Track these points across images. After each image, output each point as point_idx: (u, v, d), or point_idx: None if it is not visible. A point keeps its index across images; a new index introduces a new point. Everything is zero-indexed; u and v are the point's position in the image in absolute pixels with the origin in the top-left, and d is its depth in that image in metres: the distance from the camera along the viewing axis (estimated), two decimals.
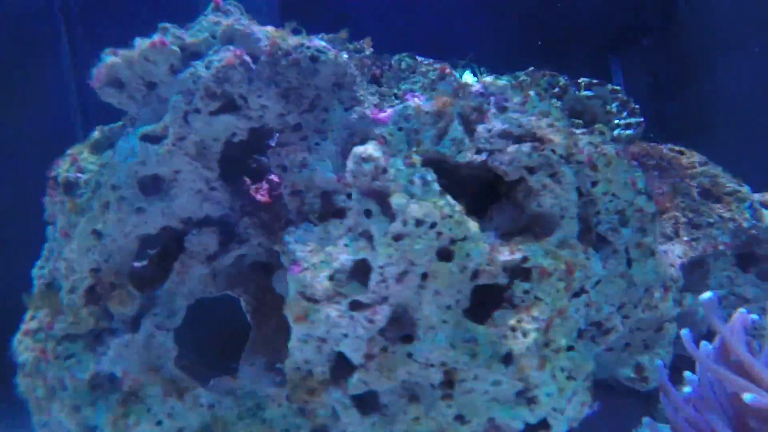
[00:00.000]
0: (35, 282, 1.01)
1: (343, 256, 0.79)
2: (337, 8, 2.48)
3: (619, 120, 1.38)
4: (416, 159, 0.85)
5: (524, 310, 0.81)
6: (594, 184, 0.91)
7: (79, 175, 0.98)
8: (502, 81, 1.01)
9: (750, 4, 2.35)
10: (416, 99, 0.96)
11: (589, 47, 2.82)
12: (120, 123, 1.03)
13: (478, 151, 0.91)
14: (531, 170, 0.88)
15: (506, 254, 0.83)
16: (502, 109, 0.91)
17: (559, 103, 1.31)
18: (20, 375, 0.89)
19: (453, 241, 0.78)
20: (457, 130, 0.90)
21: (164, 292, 0.95)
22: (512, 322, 0.80)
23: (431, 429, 0.79)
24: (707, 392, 0.87)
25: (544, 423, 0.83)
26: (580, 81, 1.42)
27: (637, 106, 1.41)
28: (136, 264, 1.02)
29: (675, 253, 1.39)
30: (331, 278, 0.79)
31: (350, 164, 0.81)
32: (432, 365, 0.78)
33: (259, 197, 1.05)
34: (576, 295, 0.88)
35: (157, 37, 0.86)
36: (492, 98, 0.94)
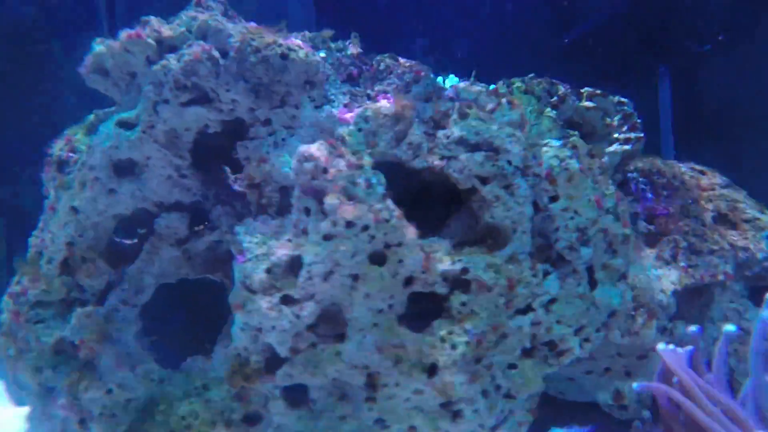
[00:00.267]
0: (29, 250, 1.11)
1: (281, 251, 0.82)
2: (371, 13, 2.50)
3: (619, 134, 1.31)
4: (367, 161, 0.86)
5: (458, 322, 0.80)
6: (552, 199, 0.88)
7: (70, 154, 1.06)
8: (477, 87, 0.99)
9: None
10: (386, 101, 0.96)
11: (634, 55, 2.68)
12: (113, 108, 1.10)
13: (442, 158, 0.90)
14: (484, 180, 0.86)
15: (447, 264, 0.82)
16: (463, 116, 0.89)
17: (554, 113, 1.26)
18: None
19: (387, 246, 0.79)
20: (415, 134, 0.90)
21: (134, 269, 1.01)
22: (443, 332, 0.79)
23: (353, 429, 0.80)
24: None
25: None
26: (582, 91, 1.36)
27: (639, 121, 1.33)
28: (128, 242, 1.09)
29: (669, 278, 1.31)
30: (268, 271, 0.82)
31: (294, 162, 0.82)
32: (356, 367, 0.79)
33: (236, 187, 1.09)
34: (521, 312, 0.85)
35: (135, 30, 0.91)
36: (456, 103, 0.92)
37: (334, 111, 0.97)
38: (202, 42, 0.90)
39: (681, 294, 1.33)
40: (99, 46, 0.96)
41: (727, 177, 1.55)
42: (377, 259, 0.79)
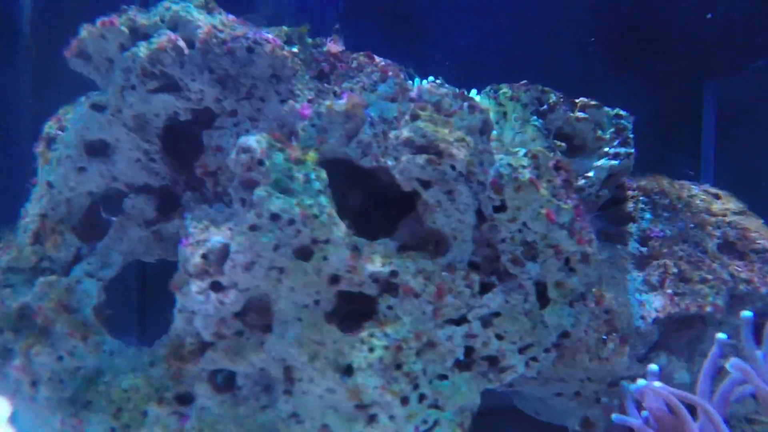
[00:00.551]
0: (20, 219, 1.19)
1: (216, 238, 0.83)
2: (399, 11, 2.50)
3: (609, 148, 1.24)
4: (312, 156, 0.86)
5: (380, 325, 0.79)
6: (498, 209, 0.85)
7: (58, 132, 1.12)
8: (443, 89, 0.97)
9: None
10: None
11: (679, 71, 2.54)
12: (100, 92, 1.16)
13: (394, 159, 0.89)
14: (426, 184, 0.84)
15: (377, 266, 0.81)
16: (414, 117, 0.87)
17: (539, 122, 1.21)
18: None
19: (315, 242, 0.78)
20: (365, 133, 0.89)
21: (101, 246, 1.06)
22: (364, 334, 0.78)
23: (271, 420, 0.80)
24: None
25: None
26: (577, 101, 1.30)
27: (631, 136, 1.26)
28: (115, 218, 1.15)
29: (653, 305, 1.24)
30: (204, 257, 0.83)
31: (233, 153, 0.84)
32: (276, 359, 0.79)
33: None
34: (453, 322, 0.83)
35: (109, 18, 0.95)
36: (411, 104, 0.91)
37: (297, 106, 0.98)
38: (168, 32, 0.94)
39: (665, 323, 1.25)
40: (83, 31, 1.01)
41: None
42: (303, 254, 0.79)
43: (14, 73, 1.84)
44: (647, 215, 1.41)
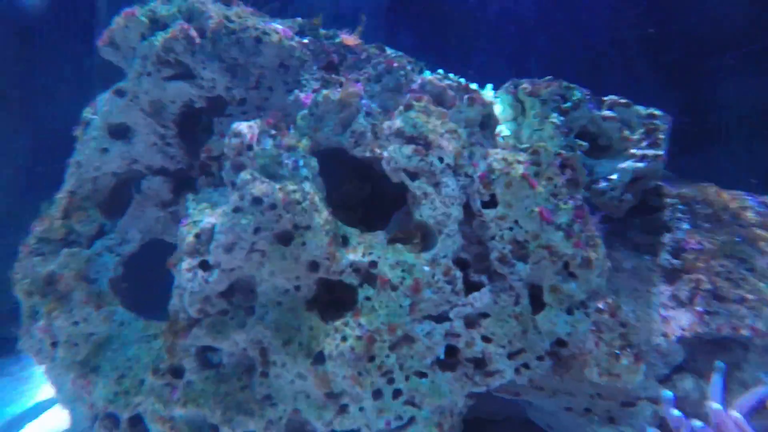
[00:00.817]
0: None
1: (209, 219, 0.86)
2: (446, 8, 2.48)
3: (637, 149, 1.14)
4: (304, 144, 0.87)
5: (354, 315, 0.78)
6: (487, 204, 0.81)
7: (93, 116, 1.22)
8: (446, 81, 0.95)
9: None
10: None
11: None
12: None
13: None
14: (413, 175, 0.82)
15: (358, 255, 0.80)
16: (408, 108, 0.86)
17: (559, 119, 1.14)
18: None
19: (296, 228, 0.79)
20: (359, 122, 0.89)
21: (122, 223, 1.14)
22: (338, 323, 0.78)
23: (245, 401, 0.82)
24: None
25: None
26: (605, 99, 1.21)
27: (662, 137, 1.15)
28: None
29: (678, 322, 1.13)
30: (196, 236, 0.87)
31: (226, 138, 0.86)
32: (253, 341, 0.81)
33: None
34: (432, 319, 0.80)
35: (132, 9, 1.02)
36: (407, 95, 0.89)
37: (301, 95, 0.99)
38: (182, 22, 0.98)
39: (693, 343, 1.14)
40: (113, 22, 1.09)
41: None
42: (283, 238, 0.80)
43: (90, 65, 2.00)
44: (685, 225, 1.29)
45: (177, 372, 0.94)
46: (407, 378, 0.80)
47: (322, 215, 0.79)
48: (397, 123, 0.85)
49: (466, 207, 0.82)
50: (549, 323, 0.84)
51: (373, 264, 0.79)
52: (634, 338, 1.08)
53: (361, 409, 0.77)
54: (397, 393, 0.79)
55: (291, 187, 0.79)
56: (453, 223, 0.79)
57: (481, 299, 0.82)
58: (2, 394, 1.57)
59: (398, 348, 0.79)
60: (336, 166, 0.96)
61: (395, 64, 0.99)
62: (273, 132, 0.85)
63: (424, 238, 0.84)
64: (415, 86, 0.95)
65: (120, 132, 1.09)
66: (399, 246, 0.83)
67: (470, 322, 0.82)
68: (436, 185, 0.80)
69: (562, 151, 0.89)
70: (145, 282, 1.26)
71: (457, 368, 0.85)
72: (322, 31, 1.12)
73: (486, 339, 0.83)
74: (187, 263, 0.85)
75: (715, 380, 0.84)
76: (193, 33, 0.98)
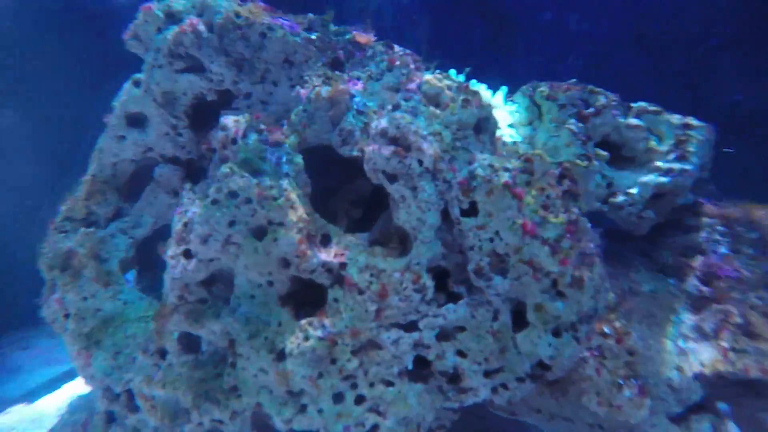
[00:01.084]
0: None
1: (192, 209, 0.88)
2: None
3: (663, 162, 1.03)
4: (292, 140, 0.86)
5: (319, 315, 0.77)
6: (466, 212, 0.76)
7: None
8: (445, 81, 0.91)
9: None
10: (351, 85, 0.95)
11: None
12: None
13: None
14: (392, 177, 0.79)
15: (330, 255, 0.79)
16: (395, 107, 0.83)
17: (578, 126, 1.05)
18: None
19: (270, 223, 0.79)
20: (348, 121, 0.87)
21: (136, 207, 1.20)
22: (304, 322, 0.77)
23: (215, 390, 0.83)
24: None
25: None
26: (634, 105, 1.10)
27: (691, 149, 1.03)
28: None
29: (698, 356, 1.02)
30: (184, 224, 0.89)
31: (214, 131, 0.87)
32: (223, 331, 0.82)
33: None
34: (401, 327, 0.78)
35: (149, 3, 1.06)
36: (404, 94, 0.86)
37: (302, 91, 0.99)
38: (191, 17, 1.01)
39: (713, 382, 1.02)
40: (138, 16, 1.14)
41: None
42: (258, 233, 0.80)
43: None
44: (722, 249, 1.16)
45: (163, 354, 0.97)
46: (372, 385, 0.78)
47: (298, 213, 0.79)
48: (383, 123, 0.82)
49: (447, 214, 0.78)
50: (529, 344, 0.78)
51: (343, 266, 0.77)
52: (641, 369, 0.99)
53: (319, 411, 0.75)
54: (360, 399, 0.78)
55: (268, 182, 0.79)
56: (428, 229, 0.76)
57: (456, 311, 0.78)
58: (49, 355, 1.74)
59: (362, 353, 0.76)
60: (335, 164, 0.95)
61: (397, 63, 0.96)
62: (261, 127, 0.85)
63: (402, 242, 0.81)
64: (411, 86, 0.92)
65: (137, 121, 1.15)
66: (377, 249, 0.81)
67: (444, 335, 0.78)
68: (414, 189, 0.77)
69: (565, 161, 0.82)
70: (160, 265, 1.32)
71: (429, 381, 0.81)
72: (333, 28, 1.11)
73: (461, 353, 0.79)
74: (172, 250, 0.88)
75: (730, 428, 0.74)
76: (202, 27, 1.00)
